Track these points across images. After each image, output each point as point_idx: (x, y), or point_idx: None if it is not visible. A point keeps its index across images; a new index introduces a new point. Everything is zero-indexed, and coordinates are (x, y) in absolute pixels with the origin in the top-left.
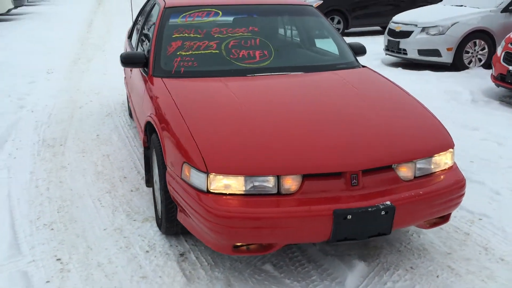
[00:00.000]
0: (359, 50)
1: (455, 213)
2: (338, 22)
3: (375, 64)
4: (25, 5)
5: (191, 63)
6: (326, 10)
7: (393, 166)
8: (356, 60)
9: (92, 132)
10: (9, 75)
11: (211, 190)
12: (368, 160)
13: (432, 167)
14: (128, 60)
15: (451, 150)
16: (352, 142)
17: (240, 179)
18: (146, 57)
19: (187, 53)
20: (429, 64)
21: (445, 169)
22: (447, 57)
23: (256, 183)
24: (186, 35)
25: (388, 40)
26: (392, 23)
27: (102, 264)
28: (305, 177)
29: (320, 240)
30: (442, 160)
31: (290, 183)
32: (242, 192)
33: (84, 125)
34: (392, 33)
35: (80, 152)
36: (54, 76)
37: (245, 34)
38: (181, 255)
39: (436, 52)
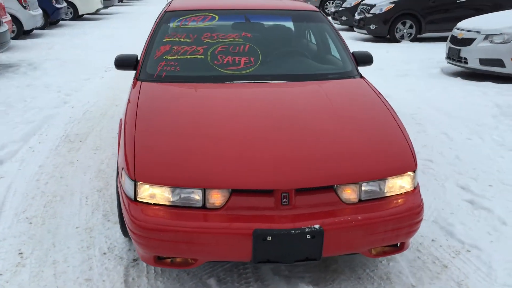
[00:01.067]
0: (365, 59)
1: (441, 241)
2: (410, 27)
3: (434, 72)
4: (116, 5)
5: (174, 67)
6: (397, 14)
7: (334, 187)
8: (356, 70)
9: (115, 130)
10: (69, 71)
11: (138, 199)
12: (303, 179)
13: (385, 190)
14: (119, 62)
15: (410, 173)
16: (292, 159)
17: (166, 190)
18: (137, 60)
19: (173, 57)
20: (491, 75)
21: (401, 194)
22: (511, 68)
23: (183, 195)
24: (177, 39)
25: (449, 48)
26: (455, 30)
27: (56, 262)
28: (234, 192)
29: (243, 260)
30: (397, 184)
31: (216, 197)
32: (168, 203)
33: (112, 123)
34: (454, 40)
35: (94, 149)
36: (109, 74)
37: (236, 39)
38: (134, 260)
39: (499, 62)
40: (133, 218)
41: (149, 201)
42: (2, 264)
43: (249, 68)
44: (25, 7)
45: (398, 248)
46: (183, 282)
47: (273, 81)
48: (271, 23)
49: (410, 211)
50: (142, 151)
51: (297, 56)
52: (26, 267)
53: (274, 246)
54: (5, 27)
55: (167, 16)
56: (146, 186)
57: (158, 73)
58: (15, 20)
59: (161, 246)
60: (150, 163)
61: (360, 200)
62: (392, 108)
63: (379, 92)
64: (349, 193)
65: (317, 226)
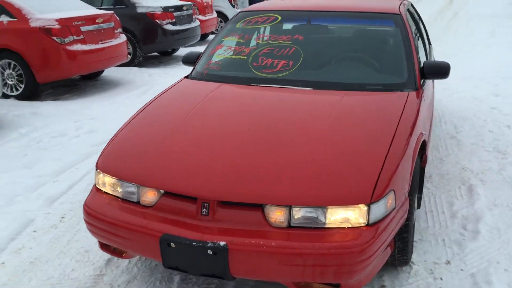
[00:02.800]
0: (435, 71)
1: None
2: None
3: None
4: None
5: (217, 66)
6: None
7: (263, 206)
8: (413, 82)
9: None
10: None
11: (97, 186)
12: (229, 192)
13: (325, 220)
14: (185, 59)
15: (361, 206)
16: (228, 171)
17: (111, 181)
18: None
19: (221, 57)
20: None
21: (343, 228)
22: None
23: (126, 189)
24: (233, 39)
25: None
26: None
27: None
28: (165, 194)
29: (158, 261)
30: (341, 215)
31: (149, 195)
32: (115, 194)
33: None
34: None
35: None
36: None
37: (286, 42)
38: (108, 262)
39: None
40: (85, 202)
41: (102, 189)
42: None
43: (284, 72)
44: (233, 6)
45: None
46: (156, 273)
47: (300, 87)
48: (335, 25)
49: (343, 248)
50: (115, 142)
51: (346, 62)
52: None
53: (178, 254)
54: (196, 23)
55: (238, 16)
56: (101, 175)
57: (203, 71)
58: (223, 16)
59: (98, 233)
60: (112, 154)
61: (289, 226)
62: (406, 132)
63: (411, 112)
64: (278, 216)
65: (222, 243)
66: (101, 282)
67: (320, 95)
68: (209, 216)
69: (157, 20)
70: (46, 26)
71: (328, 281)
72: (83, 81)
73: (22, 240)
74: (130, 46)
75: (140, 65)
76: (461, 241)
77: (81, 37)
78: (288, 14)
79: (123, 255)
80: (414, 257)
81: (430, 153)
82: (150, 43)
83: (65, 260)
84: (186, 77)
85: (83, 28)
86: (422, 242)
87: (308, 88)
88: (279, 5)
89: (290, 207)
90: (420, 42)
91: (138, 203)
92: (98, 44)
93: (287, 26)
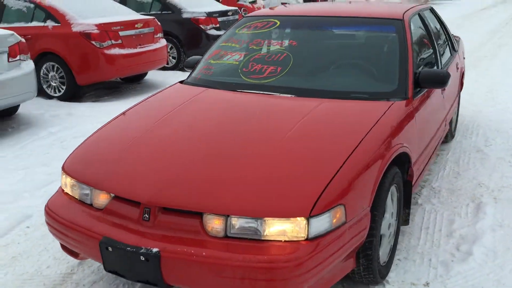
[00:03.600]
0: (432, 80)
1: None
2: None
3: None
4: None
5: (209, 71)
6: None
7: (202, 215)
8: (403, 91)
9: None
10: None
11: (62, 187)
12: (170, 198)
13: (263, 232)
14: (187, 63)
15: (299, 219)
16: (175, 178)
17: (71, 182)
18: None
19: (215, 61)
20: None
21: (279, 241)
22: None
23: (82, 191)
24: (229, 44)
25: None
26: None
27: None
28: (115, 198)
29: (101, 263)
30: (278, 227)
31: (100, 198)
32: (72, 195)
33: None
34: None
35: None
36: None
37: (278, 48)
38: (81, 262)
39: None
40: (47, 203)
41: (64, 190)
42: None
43: (270, 78)
44: None
45: None
46: (108, 279)
47: (282, 94)
48: (333, 32)
49: (275, 262)
50: (83, 145)
51: (335, 69)
52: None
53: (114, 258)
54: None
55: (240, 21)
56: (64, 176)
57: (196, 75)
58: None
59: (55, 233)
60: (76, 157)
61: (226, 236)
62: (374, 143)
63: (389, 122)
64: (216, 225)
65: (155, 250)
66: (69, 281)
67: (297, 103)
68: (150, 222)
69: (201, 25)
70: (86, 31)
71: None
72: (125, 84)
73: (14, 235)
74: (175, 51)
75: (184, 69)
76: (448, 263)
77: (119, 41)
78: (287, 20)
79: (78, 257)
80: (392, 276)
81: (448, 166)
82: (194, 47)
83: (44, 257)
84: (181, 81)
85: (121, 33)
86: (406, 260)
87: (289, 95)
88: (280, 11)
89: (227, 217)
90: (427, 50)
91: (91, 205)
92: (136, 48)
93: (286, 32)
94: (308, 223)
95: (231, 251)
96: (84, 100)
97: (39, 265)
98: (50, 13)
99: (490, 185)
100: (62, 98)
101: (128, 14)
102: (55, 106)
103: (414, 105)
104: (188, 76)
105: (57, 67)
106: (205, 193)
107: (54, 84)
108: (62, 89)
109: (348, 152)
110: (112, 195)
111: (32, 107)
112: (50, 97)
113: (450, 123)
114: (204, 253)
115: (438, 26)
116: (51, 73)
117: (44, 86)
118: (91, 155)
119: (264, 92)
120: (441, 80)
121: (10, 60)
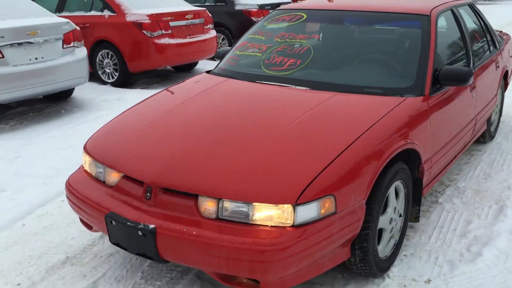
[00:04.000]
0: (451, 78)
1: None
2: None
3: None
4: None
5: (234, 62)
6: None
7: (198, 196)
8: (420, 88)
9: None
10: None
11: (83, 165)
12: (170, 180)
13: (252, 217)
14: (217, 54)
15: (285, 206)
16: (177, 160)
17: (89, 160)
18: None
19: (241, 53)
20: None
21: (266, 226)
22: None
23: (97, 169)
24: (256, 36)
25: None
26: None
27: None
28: (124, 176)
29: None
30: (266, 213)
31: (111, 176)
32: (89, 172)
33: None
34: None
35: None
36: None
37: (301, 40)
38: (103, 235)
39: None
40: (68, 178)
41: (84, 168)
42: None
43: (289, 70)
44: None
45: (252, 286)
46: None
47: (298, 87)
48: (358, 26)
49: (257, 245)
50: (104, 127)
51: (354, 64)
52: None
53: (118, 232)
54: None
55: (271, 14)
56: (84, 154)
57: (222, 66)
58: None
59: (73, 207)
60: (97, 138)
61: (218, 218)
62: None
63: (397, 118)
64: (209, 207)
65: (151, 226)
66: (89, 252)
67: (308, 95)
68: (151, 201)
69: (252, 17)
70: (138, 21)
71: (243, 275)
72: (175, 73)
73: (49, 207)
74: (227, 42)
75: None
76: (455, 262)
77: (170, 31)
78: (314, 13)
79: (92, 229)
80: (395, 270)
81: (480, 167)
82: None
83: (71, 229)
84: (208, 71)
85: (172, 23)
86: (412, 256)
87: (304, 88)
88: (309, 4)
89: (220, 200)
90: (456, 47)
91: (104, 182)
92: (186, 38)
93: (311, 25)
94: (294, 210)
95: (220, 232)
96: (135, 87)
97: (65, 236)
98: (107, 3)
99: None
100: (115, 84)
101: (180, 6)
102: (107, 91)
103: (432, 102)
104: (216, 66)
105: (111, 54)
106: (201, 176)
107: (108, 71)
108: (115, 75)
109: (345, 145)
110: (122, 174)
111: (86, 91)
112: (104, 83)
113: (489, 123)
114: (194, 232)
115: (477, 23)
116: (106, 60)
117: (100, 72)
118: (110, 136)
119: (281, 84)
120: (462, 78)
121: (64, 46)
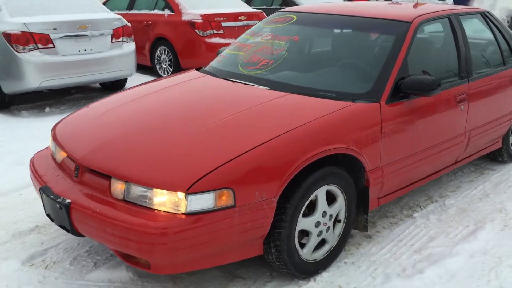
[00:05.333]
0: (416, 87)
1: None
2: None
3: None
4: None
5: (220, 60)
6: None
7: (111, 178)
8: (375, 95)
9: None
10: None
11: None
12: (92, 160)
13: (153, 200)
14: (218, 52)
15: (179, 194)
16: (105, 144)
17: (50, 139)
18: None
19: (229, 52)
20: None
21: (159, 210)
22: None
23: (52, 147)
24: (247, 36)
25: None
26: None
27: None
28: (67, 156)
29: None
30: (161, 198)
31: (60, 154)
32: (50, 149)
33: None
34: None
35: None
36: None
37: (280, 42)
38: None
39: None
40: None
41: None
42: None
43: (260, 70)
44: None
45: (147, 266)
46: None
47: (259, 86)
48: (340, 31)
49: (144, 227)
50: (75, 112)
51: (320, 67)
52: None
53: (47, 204)
54: None
55: (270, 16)
56: (50, 138)
57: (211, 63)
58: None
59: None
60: (64, 120)
61: (124, 199)
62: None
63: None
64: (117, 189)
65: (67, 200)
66: None
67: (260, 94)
68: (78, 178)
69: None
70: (192, 20)
71: (133, 254)
72: None
73: None
74: None
75: None
76: (392, 276)
77: (221, 31)
78: (303, 16)
79: None
80: (326, 276)
81: (482, 186)
82: None
83: None
84: (198, 68)
85: (224, 24)
86: (351, 265)
87: (264, 87)
88: (303, 7)
89: (127, 183)
90: (440, 57)
91: (55, 159)
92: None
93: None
94: (186, 198)
95: (122, 212)
96: None
97: None
98: (167, 2)
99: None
100: None
101: (237, 7)
102: None
103: (388, 110)
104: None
105: (167, 50)
106: (117, 160)
107: (164, 66)
108: (170, 71)
109: (259, 142)
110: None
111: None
112: (160, 77)
113: (507, 142)
114: (98, 210)
115: (486, 34)
116: (163, 56)
117: (157, 67)
118: (72, 119)
119: (247, 83)
120: (425, 88)
121: (113, 40)
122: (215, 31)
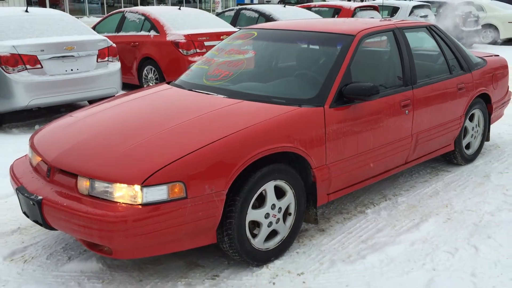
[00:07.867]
0: (356, 92)
1: None
2: None
3: None
4: None
5: (188, 74)
6: None
7: (78, 176)
8: (320, 100)
9: None
10: None
11: None
12: (62, 162)
13: (114, 194)
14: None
15: (135, 187)
16: (74, 147)
17: (28, 146)
18: None
19: (196, 66)
20: None
21: (118, 202)
22: None
23: (29, 153)
24: (214, 52)
25: None
26: None
27: None
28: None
29: None
30: (121, 192)
31: (35, 159)
32: (28, 156)
33: None
34: None
35: None
36: None
37: (239, 56)
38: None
39: None
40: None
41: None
42: None
43: (221, 81)
44: None
45: (109, 252)
46: None
47: (218, 95)
48: (294, 44)
49: (103, 216)
50: (53, 122)
51: (275, 77)
52: None
53: (23, 202)
54: None
55: (235, 32)
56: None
57: (181, 76)
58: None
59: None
60: (41, 129)
61: (89, 195)
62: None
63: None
64: (83, 185)
65: (39, 197)
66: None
67: (216, 101)
68: (50, 178)
69: None
70: (176, 40)
71: (96, 241)
72: None
73: None
74: None
75: None
76: (337, 261)
77: (204, 50)
78: (263, 32)
79: None
80: (278, 263)
81: (434, 185)
82: None
83: None
84: (168, 82)
85: (207, 43)
86: (303, 254)
87: (222, 96)
88: (265, 24)
89: (91, 179)
90: (385, 67)
91: (32, 164)
92: None
93: (257, 42)
94: (142, 191)
95: (86, 205)
96: None
97: None
98: (153, 24)
99: (456, 207)
100: None
101: (220, 27)
102: None
103: (332, 113)
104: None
105: (153, 69)
106: (83, 160)
107: (151, 84)
108: None
109: (209, 141)
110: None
111: None
112: None
113: (459, 145)
114: (65, 204)
115: (431, 45)
116: (150, 75)
117: (145, 85)
118: (48, 128)
119: (208, 92)
120: (364, 93)
121: (98, 60)
122: (198, 50)
